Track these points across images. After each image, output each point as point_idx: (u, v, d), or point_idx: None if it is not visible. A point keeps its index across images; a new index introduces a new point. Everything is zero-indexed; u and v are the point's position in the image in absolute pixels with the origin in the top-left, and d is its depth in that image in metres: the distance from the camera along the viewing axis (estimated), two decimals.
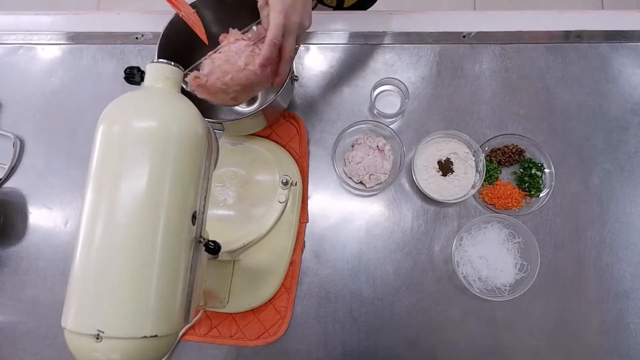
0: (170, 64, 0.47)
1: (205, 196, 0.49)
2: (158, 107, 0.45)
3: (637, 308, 0.76)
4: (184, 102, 0.47)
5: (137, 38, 0.91)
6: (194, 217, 0.46)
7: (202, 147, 0.47)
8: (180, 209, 0.44)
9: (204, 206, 0.49)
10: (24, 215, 0.84)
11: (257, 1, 0.62)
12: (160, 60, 0.46)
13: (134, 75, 0.47)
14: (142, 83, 0.47)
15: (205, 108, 0.62)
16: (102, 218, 0.41)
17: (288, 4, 0.58)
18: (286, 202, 0.75)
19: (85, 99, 0.88)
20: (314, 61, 0.88)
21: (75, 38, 0.91)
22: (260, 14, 0.62)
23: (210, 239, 0.54)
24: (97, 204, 0.41)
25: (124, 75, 0.47)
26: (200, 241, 0.49)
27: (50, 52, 0.91)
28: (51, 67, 0.90)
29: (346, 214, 0.82)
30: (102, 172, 0.43)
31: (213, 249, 0.48)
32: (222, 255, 0.64)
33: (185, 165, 0.44)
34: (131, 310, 0.40)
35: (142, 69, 0.48)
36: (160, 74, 0.46)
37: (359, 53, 0.88)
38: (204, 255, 0.51)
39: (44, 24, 0.93)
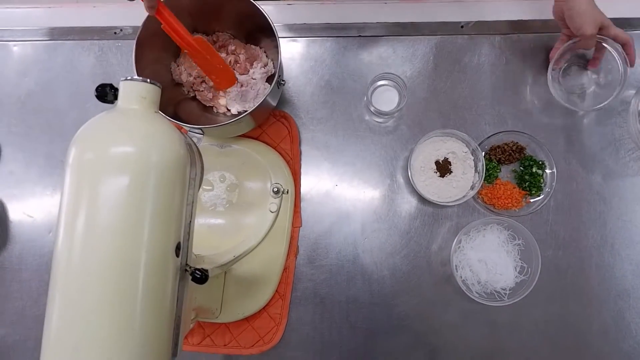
0: (146, 82, 0.42)
1: (190, 222, 0.46)
2: (134, 131, 0.41)
3: (638, 308, 0.75)
4: (163, 124, 0.43)
5: (115, 33, 0.85)
6: (177, 248, 0.42)
7: (184, 173, 0.43)
8: (162, 243, 0.40)
9: (188, 233, 0.46)
10: (4, 224, 0.80)
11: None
12: (135, 77, 0.42)
13: (106, 94, 0.42)
14: (116, 102, 0.43)
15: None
16: (76, 258, 0.37)
17: None
18: (277, 211, 0.72)
19: (63, 100, 0.83)
20: (304, 55, 0.83)
21: (50, 34, 0.85)
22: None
23: (200, 251, 0.51)
24: (70, 242, 0.38)
25: (95, 94, 0.43)
26: (186, 270, 0.46)
27: (23, 50, 0.86)
28: (25, 66, 0.85)
29: (340, 216, 0.79)
30: (74, 204, 0.39)
31: (200, 278, 0.45)
32: (212, 271, 0.61)
33: (166, 194, 0.41)
34: (114, 357, 0.37)
35: (121, 74, 0.44)
36: (135, 94, 0.42)
37: (352, 46, 0.83)
38: (191, 283, 0.48)
39: (16, 19, 0.87)
